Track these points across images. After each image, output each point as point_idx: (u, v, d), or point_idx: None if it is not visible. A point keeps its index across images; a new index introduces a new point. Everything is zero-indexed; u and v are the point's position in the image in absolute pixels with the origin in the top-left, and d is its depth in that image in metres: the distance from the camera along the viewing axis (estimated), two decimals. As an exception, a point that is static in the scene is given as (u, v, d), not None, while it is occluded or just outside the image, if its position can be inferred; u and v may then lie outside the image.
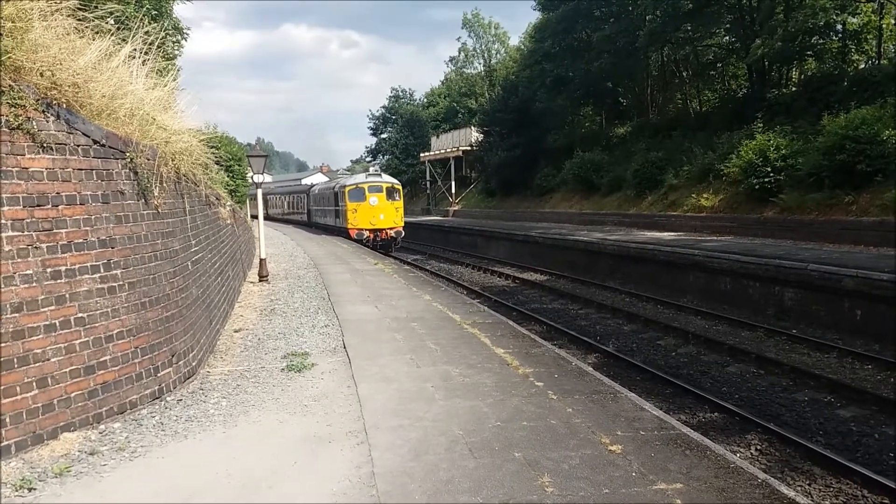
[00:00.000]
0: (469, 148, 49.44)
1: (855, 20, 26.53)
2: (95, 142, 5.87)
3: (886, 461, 7.52)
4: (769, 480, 4.89)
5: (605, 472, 4.90)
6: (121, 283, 6.08)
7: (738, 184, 22.23)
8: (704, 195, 24.39)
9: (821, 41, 27.09)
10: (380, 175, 32.10)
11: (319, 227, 37.67)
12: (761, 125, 23.17)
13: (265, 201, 56.08)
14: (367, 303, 12.67)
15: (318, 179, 76.45)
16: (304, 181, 78.53)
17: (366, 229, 29.04)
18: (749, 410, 9.03)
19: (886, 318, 12.11)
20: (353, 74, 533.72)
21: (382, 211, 29.58)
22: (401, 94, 77.50)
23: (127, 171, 6.28)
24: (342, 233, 30.93)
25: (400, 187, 31.58)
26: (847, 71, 25.79)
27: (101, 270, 5.88)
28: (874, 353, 11.40)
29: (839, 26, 26.64)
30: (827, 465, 7.28)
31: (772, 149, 20.72)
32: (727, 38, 32.38)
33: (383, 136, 76.44)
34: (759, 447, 7.96)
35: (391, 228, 29.83)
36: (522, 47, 53.00)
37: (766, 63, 27.14)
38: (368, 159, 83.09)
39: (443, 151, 54.42)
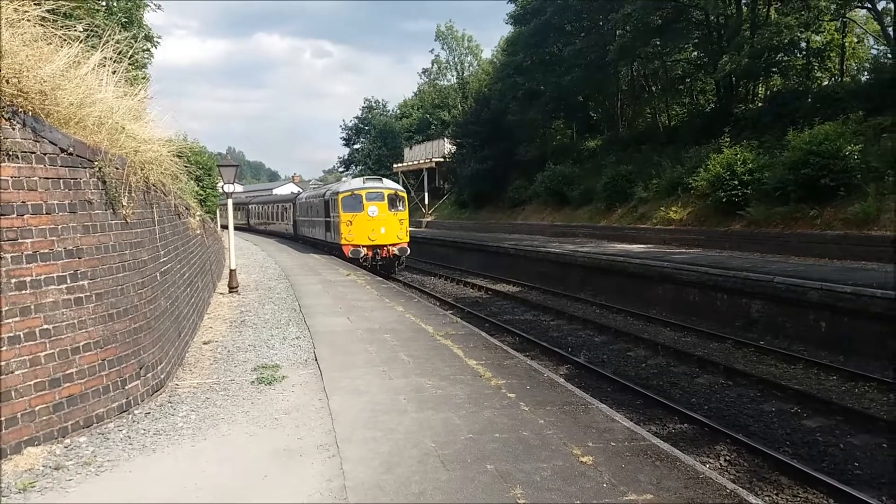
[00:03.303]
0: (442, 159, 49.62)
1: (819, 38, 27.27)
2: (62, 150, 5.78)
3: (851, 471, 7.65)
4: (738, 490, 4.95)
5: (576, 483, 4.92)
6: (88, 294, 5.97)
7: (706, 197, 22.59)
8: (673, 208, 24.74)
9: (786, 58, 27.75)
10: (380, 180, 27.14)
11: (308, 242, 33.31)
12: (728, 139, 23.58)
13: (246, 212, 55.08)
14: (338, 314, 12.59)
15: (288, 190, 75.79)
16: (275, 191, 77.83)
17: (363, 246, 24.24)
18: (718, 421, 9.14)
19: (850, 329, 12.37)
20: (326, 84, 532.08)
21: (383, 223, 24.72)
22: (374, 104, 77.67)
23: (95, 180, 6.19)
24: (334, 250, 26.14)
25: (405, 195, 26.53)
26: (811, 87, 26.46)
27: (68, 281, 5.78)
28: (838, 364, 11.61)
29: (803, 44, 27.38)
30: (794, 475, 7.38)
31: (739, 163, 21.09)
32: (695, 53, 33.03)
33: (356, 146, 76.45)
34: (728, 458, 8.05)
35: (394, 245, 24.88)
36: (495, 60, 53.38)
37: (734, 79, 27.69)
38: (341, 169, 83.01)
39: (416, 163, 54.56)
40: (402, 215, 25.51)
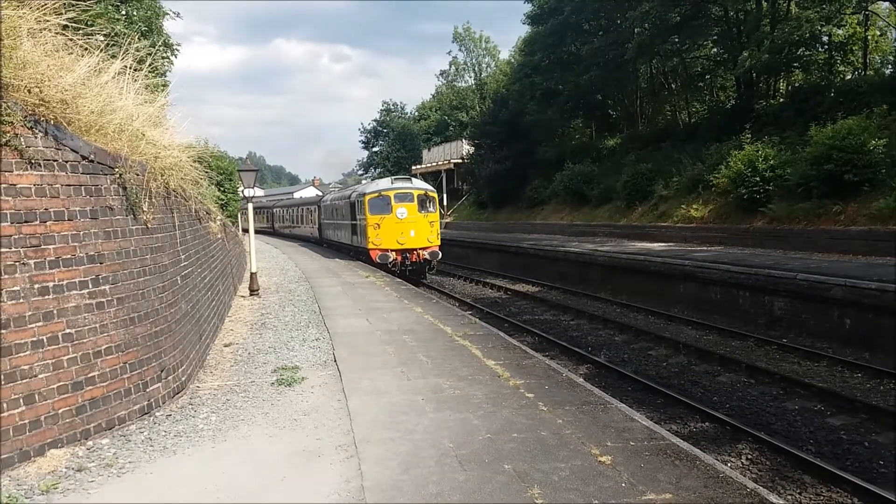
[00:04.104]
0: (460, 160, 49.62)
1: (840, 32, 26.84)
2: (84, 157, 5.87)
3: (876, 469, 7.55)
4: (758, 489, 4.90)
5: (594, 483, 4.91)
6: (109, 298, 6.06)
7: (728, 194, 22.36)
8: (694, 206, 24.51)
9: (807, 53, 27.37)
10: (409, 180, 25.42)
11: (333, 246, 31.77)
12: (750, 136, 23.32)
13: (270, 215, 55.15)
14: (358, 316, 12.65)
15: (309, 193, 76.13)
16: (296, 194, 78.21)
17: (392, 250, 22.66)
18: (740, 420, 9.05)
19: (875, 326, 12.17)
20: (344, 88, 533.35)
21: (413, 226, 23.00)
22: (392, 107, 77.98)
23: (116, 186, 6.28)
24: (361, 254, 24.69)
25: (435, 195, 24.70)
26: (833, 82, 26.05)
27: (90, 286, 5.87)
28: (864, 361, 11.45)
29: (825, 38, 26.96)
30: (817, 474, 7.29)
31: (760, 159, 20.85)
32: (715, 49, 32.69)
33: (375, 149, 76.83)
34: (749, 456, 7.97)
35: (425, 248, 23.16)
36: (512, 61, 53.37)
37: (754, 74, 27.39)
38: (360, 172, 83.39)
39: (434, 164, 54.65)
40: (432, 217, 23.87)
